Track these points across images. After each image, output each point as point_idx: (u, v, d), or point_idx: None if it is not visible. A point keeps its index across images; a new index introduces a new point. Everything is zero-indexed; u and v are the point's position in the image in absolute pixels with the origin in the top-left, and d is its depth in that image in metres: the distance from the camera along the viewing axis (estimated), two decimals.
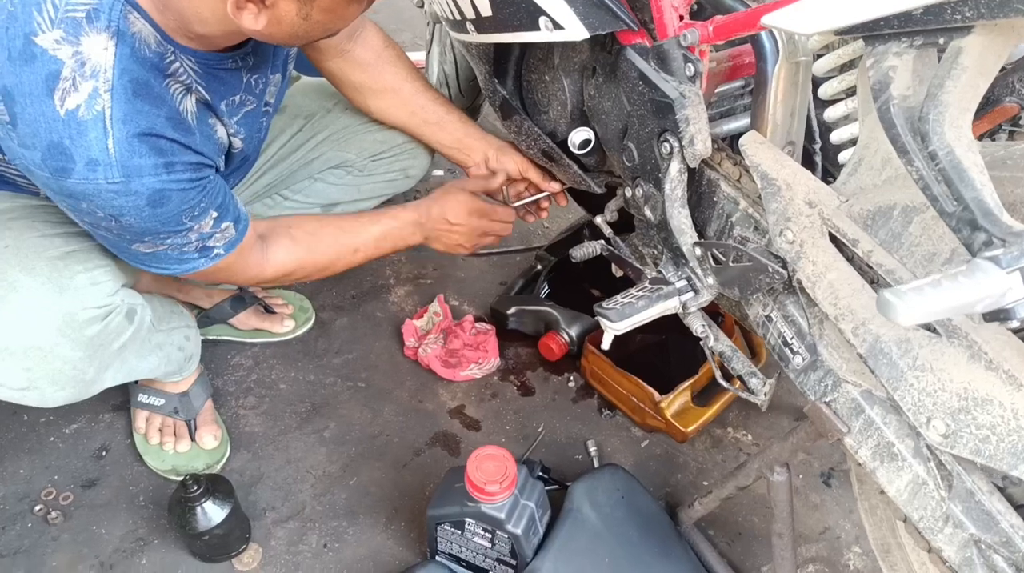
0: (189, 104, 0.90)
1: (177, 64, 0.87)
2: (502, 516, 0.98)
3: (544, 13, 0.99)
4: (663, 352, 1.46)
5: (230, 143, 1.02)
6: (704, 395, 1.37)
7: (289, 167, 1.37)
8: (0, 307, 0.91)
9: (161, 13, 0.83)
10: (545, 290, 1.58)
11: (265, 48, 1.01)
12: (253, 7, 0.78)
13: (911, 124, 0.62)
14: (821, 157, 1.07)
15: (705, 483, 1.32)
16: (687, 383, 1.32)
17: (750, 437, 1.41)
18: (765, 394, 0.93)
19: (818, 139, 1.06)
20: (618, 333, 0.96)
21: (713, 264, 0.95)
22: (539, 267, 1.60)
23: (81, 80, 0.79)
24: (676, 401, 1.31)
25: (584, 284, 1.65)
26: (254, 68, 1.01)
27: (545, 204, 1.36)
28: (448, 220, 1.23)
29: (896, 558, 0.97)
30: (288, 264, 1.12)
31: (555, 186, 1.31)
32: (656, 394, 1.30)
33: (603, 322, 0.95)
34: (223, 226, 0.97)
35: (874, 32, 0.66)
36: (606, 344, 0.99)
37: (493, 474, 0.97)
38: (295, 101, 1.35)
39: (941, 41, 0.62)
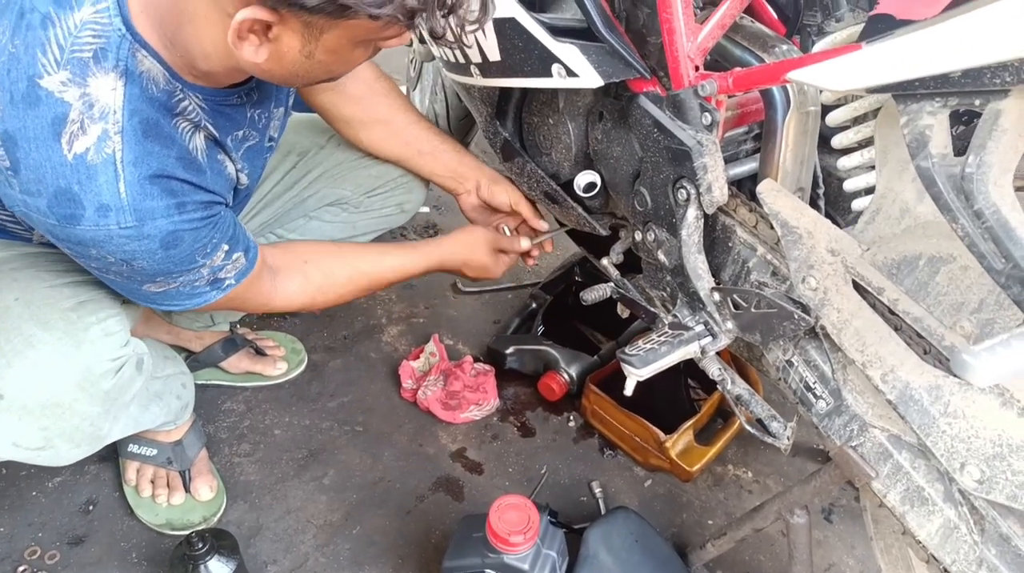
0: (198, 141, 0.88)
1: (186, 102, 0.85)
2: (525, 567, 0.97)
3: (558, 60, 1.00)
4: (650, 390, 1.47)
5: (238, 179, 1.00)
6: (705, 433, 1.39)
7: (283, 206, 1.35)
8: (18, 363, 0.87)
9: (168, 50, 0.81)
10: (540, 329, 1.58)
11: (267, 85, 0.99)
12: (255, 39, 0.75)
13: (953, 182, 0.64)
14: (824, 202, 1.10)
15: (710, 522, 1.33)
16: (690, 422, 1.33)
17: (750, 474, 1.42)
18: (788, 438, 0.94)
19: (821, 185, 1.09)
20: (640, 379, 0.96)
21: (733, 309, 0.96)
22: (534, 305, 1.60)
23: (90, 123, 0.76)
24: (680, 440, 1.32)
25: (576, 322, 1.66)
26: (258, 103, 0.99)
27: (535, 253, 1.35)
28: (470, 265, 1.25)
29: None
30: (297, 300, 1.11)
31: (544, 225, 1.32)
32: (661, 434, 1.31)
33: (627, 369, 0.95)
34: (234, 257, 0.95)
35: (908, 92, 0.68)
36: (629, 390, 0.99)
37: (516, 524, 0.96)
38: (287, 138, 1.33)
39: (977, 103, 0.64)
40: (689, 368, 1.40)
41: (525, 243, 1.31)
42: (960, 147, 0.69)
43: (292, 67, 0.80)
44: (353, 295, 1.17)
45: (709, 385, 1.50)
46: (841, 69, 0.73)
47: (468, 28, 0.82)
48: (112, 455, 1.29)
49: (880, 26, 0.68)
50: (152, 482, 1.25)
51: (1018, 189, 0.85)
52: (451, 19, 0.77)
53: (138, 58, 0.79)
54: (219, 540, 1.06)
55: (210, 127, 0.90)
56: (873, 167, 0.88)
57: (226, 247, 0.93)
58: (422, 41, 1.69)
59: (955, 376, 0.74)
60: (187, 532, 1.13)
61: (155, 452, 1.25)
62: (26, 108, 0.75)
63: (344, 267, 1.15)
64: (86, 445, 0.97)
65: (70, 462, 0.97)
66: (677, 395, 1.46)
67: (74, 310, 0.92)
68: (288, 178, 1.34)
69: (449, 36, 0.79)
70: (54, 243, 0.85)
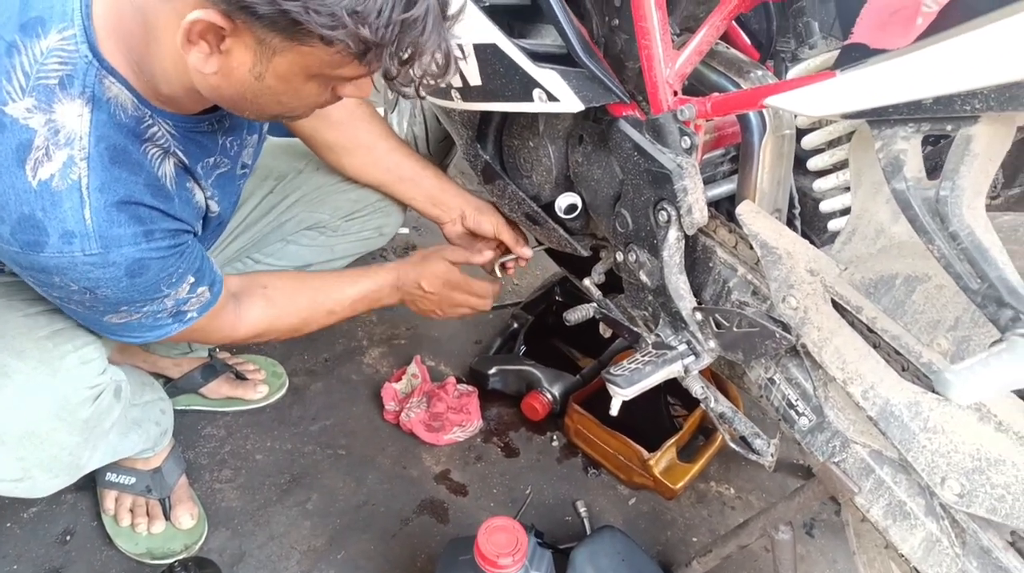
0: (167, 168, 0.87)
1: (155, 128, 0.84)
2: None
3: (539, 85, 1.02)
4: (631, 409, 1.48)
5: (207, 207, 0.99)
6: (688, 451, 1.40)
7: (261, 230, 1.35)
8: None
9: (136, 76, 0.80)
10: (522, 349, 1.58)
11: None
12: (205, 46, 0.73)
13: (928, 205, 0.66)
14: (800, 222, 1.12)
15: (694, 539, 1.34)
16: (673, 439, 1.34)
17: (733, 490, 1.43)
18: (772, 455, 0.95)
19: (797, 205, 1.11)
20: (626, 398, 0.97)
21: (715, 329, 0.98)
22: (516, 326, 1.61)
23: (55, 149, 0.75)
24: (663, 458, 1.33)
25: (557, 342, 1.67)
26: (229, 130, 0.98)
27: (511, 264, 1.37)
28: (422, 287, 1.22)
29: None
30: (260, 325, 1.09)
31: (527, 252, 1.33)
32: (644, 452, 1.32)
33: (612, 389, 0.96)
34: (199, 290, 0.94)
35: (882, 118, 0.71)
36: (614, 410, 1.00)
37: (504, 546, 0.96)
38: (265, 162, 1.32)
39: (949, 128, 0.67)
40: (669, 386, 1.42)
41: (488, 254, 1.30)
42: (929, 167, 0.72)
43: (241, 87, 0.78)
44: (316, 321, 1.15)
45: (689, 402, 1.51)
46: (817, 95, 0.75)
47: (427, 81, 0.80)
48: (89, 484, 1.27)
49: (854, 55, 0.70)
50: (131, 511, 1.23)
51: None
52: (410, 69, 0.76)
53: (105, 84, 0.78)
54: (202, 569, 1.05)
55: (180, 154, 0.89)
56: (848, 189, 0.91)
57: (192, 279, 0.92)
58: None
59: (936, 394, 0.76)
60: (168, 561, 1.12)
61: (133, 480, 1.23)
62: None
63: (305, 290, 1.14)
64: (65, 475, 0.96)
65: (48, 493, 0.96)
66: (658, 413, 1.47)
67: (50, 338, 0.91)
68: (265, 202, 1.34)
69: (403, 83, 0.78)
70: (17, 272, 0.84)
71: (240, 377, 1.47)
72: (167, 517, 1.23)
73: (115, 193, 0.79)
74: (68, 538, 1.22)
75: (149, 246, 0.83)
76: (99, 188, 0.78)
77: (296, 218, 1.35)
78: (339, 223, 1.37)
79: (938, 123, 0.67)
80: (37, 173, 0.75)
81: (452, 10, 0.77)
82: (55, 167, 0.76)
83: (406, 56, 0.74)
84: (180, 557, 1.17)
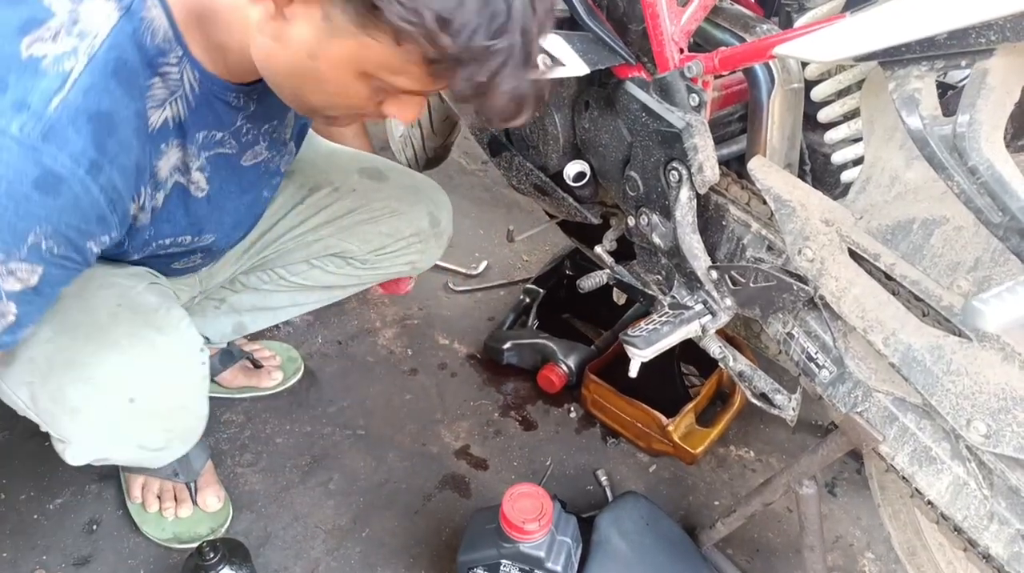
0: (157, 116, 0.80)
1: (175, 69, 0.79)
2: (542, 554, 0.97)
3: (542, 50, 1.01)
4: (646, 378, 1.47)
5: (190, 180, 0.90)
6: (706, 416, 1.40)
7: (285, 244, 1.27)
8: (146, 369, 0.89)
9: (187, 17, 0.77)
10: (535, 323, 1.58)
11: (271, 106, 0.93)
12: (271, 6, 0.71)
13: (946, 142, 0.65)
14: (811, 178, 1.12)
15: (716, 503, 1.34)
16: (691, 405, 1.34)
17: (752, 453, 1.43)
18: (793, 409, 0.95)
19: (807, 161, 1.11)
20: (644, 360, 0.97)
21: (731, 286, 0.97)
22: (527, 300, 1.61)
23: (65, 35, 0.71)
24: (682, 424, 1.33)
25: (567, 314, 1.66)
26: (252, 117, 0.93)
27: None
28: None
29: (922, 560, 0.99)
30: None
31: None
32: (663, 418, 1.31)
33: (631, 350, 0.96)
34: (15, 308, 0.76)
35: (895, 57, 0.70)
36: (633, 372, 1.00)
37: (530, 512, 0.96)
38: (301, 167, 1.23)
39: (963, 63, 0.66)
40: (682, 352, 1.42)
41: None
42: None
43: (292, 61, 0.74)
44: None
45: (705, 369, 1.51)
46: (827, 40, 0.74)
47: (498, 122, 0.76)
48: (113, 473, 1.28)
49: None
50: (159, 497, 1.23)
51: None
52: (484, 102, 0.72)
53: (147, 3, 0.75)
54: (231, 549, 1.05)
55: (183, 109, 0.82)
56: (859, 139, 0.90)
57: (34, 282, 0.75)
58: None
59: (959, 334, 0.76)
60: (195, 544, 1.12)
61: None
62: (5, 5, 0.71)
63: None
64: (189, 444, 1.02)
65: (165, 462, 1.05)
66: (672, 381, 1.47)
67: (169, 311, 0.94)
68: (295, 213, 1.25)
69: (476, 111, 0.74)
70: None
71: (256, 365, 1.47)
72: (194, 501, 1.24)
73: (97, 103, 0.72)
74: (95, 528, 1.23)
75: (85, 176, 0.72)
76: (85, 89, 0.71)
77: (323, 242, 1.27)
78: (368, 256, 1.30)
79: (953, 59, 0.66)
80: (32, 47, 0.70)
81: (534, 60, 0.74)
82: (55, 50, 0.71)
83: (483, 80, 0.69)
84: (207, 539, 1.18)
